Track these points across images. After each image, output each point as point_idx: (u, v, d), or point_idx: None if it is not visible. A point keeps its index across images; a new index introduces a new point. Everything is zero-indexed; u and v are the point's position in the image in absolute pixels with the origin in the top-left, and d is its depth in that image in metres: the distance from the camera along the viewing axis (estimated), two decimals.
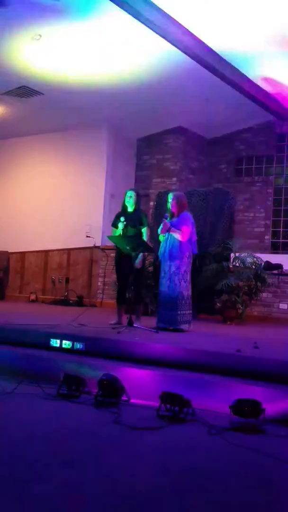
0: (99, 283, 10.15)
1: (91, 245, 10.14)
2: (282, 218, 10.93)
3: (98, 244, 10.06)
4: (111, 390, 4.06)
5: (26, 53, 7.91)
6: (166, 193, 7.03)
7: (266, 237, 10.97)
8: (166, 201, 6.54)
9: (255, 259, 8.26)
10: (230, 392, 3.89)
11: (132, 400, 4.08)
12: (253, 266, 8.16)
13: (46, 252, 11.16)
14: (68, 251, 10.88)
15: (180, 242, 6.20)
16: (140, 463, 2.92)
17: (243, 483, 2.68)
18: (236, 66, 8.31)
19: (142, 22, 6.86)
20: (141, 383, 4.34)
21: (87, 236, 10.14)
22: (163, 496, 2.48)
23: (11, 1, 6.45)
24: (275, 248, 10.87)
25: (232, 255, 8.30)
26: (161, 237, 6.36)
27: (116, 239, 6.41)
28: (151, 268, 8.48)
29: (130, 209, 6.59)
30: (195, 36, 7.39)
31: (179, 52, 7.64)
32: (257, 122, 10.94)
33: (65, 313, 7.86)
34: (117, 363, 4.69)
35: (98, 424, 3.63)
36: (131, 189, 6.79)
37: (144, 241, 6.34)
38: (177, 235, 6.20)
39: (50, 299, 10.70)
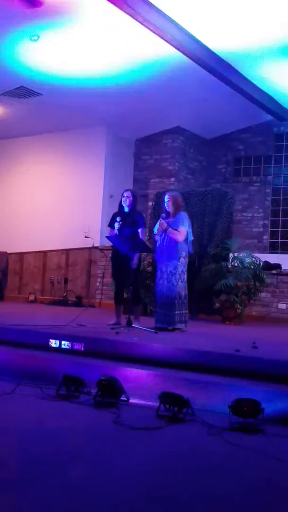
0: (97, 284, 10.15)
1: (90, 245, 10.13)
2: (280, 218, 10.95)
3: (97, 244, 10.05)
4: (110, 390, 4.06)
5: (24, 54, 7.90)
6: (164, 193, 7.03)
7: (265, 237, 10.99)
8: (163, 201, 6.55)
9: (253, 259, 8.26)
10: (229, 392, 3.89)
11: (131, 401, 4.08)
12: (252, 266, 8.17)
13: (45, 253, 11.15)
14: (67, 251, 10.87)
15: (177, 242, 6.21)
16: (140, 463, 2.92)
17: (243, 483, 2.68)
18: (234, 66, 8.32)
19: (141, 23, 6.86)
20: (140, 383, 4.34)
21: (85, 237, 10.13)
22: (163, 496, 2.48)
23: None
24: (273, 248, 10.89)
25: (230, 255, 8.30)
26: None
27: (115, 239, 6.41)
28: (150, 268, 8.47)
29: (126, 209, 6.59)
30: (193, 36, 7.39)
31: (178, 52, 7.63)
32: (256, 122, 10.98)
33: (64, 313, 7.85)
34: (116, 363, 4.70)
35: (97, 425, 3.64)
36: (127, 190, 6.78)
37: (143, 241, 6.34)
38: (174, 236, 6.21)
39: (49, 299, 10.68)
